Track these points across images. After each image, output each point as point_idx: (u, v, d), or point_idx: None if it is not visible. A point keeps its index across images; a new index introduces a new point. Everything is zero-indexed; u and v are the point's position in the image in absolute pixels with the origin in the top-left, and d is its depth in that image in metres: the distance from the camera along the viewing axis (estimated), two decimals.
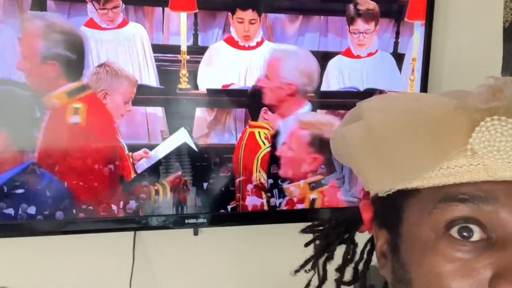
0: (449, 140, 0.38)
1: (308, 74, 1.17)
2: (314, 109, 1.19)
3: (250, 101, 1.16)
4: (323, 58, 1.18)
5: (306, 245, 0.61)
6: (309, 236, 0.62)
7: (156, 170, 1.14)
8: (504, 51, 1.28)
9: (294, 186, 1.18)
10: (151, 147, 1.14)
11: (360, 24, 1.17)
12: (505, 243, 0.36)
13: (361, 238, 0.58)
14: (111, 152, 1.11)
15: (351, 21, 1.17)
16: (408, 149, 0.38)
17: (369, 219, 0.47)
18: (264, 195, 1.18)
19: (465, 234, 0.37)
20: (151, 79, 1.13)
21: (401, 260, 0.41)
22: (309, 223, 0.63)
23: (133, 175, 1.13)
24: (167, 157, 1.14)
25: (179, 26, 1.12)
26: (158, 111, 1.15)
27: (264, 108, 1.16)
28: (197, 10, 1.12)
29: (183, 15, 1.12)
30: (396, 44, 1.21)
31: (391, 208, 0.42)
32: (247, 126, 1.17)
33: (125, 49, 1.10)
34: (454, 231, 0.37)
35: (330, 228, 0.57)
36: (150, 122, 1.15)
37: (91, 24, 1.07)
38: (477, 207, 0.36)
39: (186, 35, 1.12)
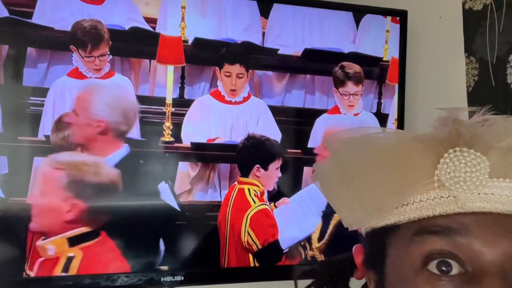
0: (415, 173, 0.38)
1: (123, 112, 1.04)
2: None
3: (241, 156, 1.12)
4: (311, 115, 1.18)
5: None
6: None
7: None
8: (469, 114, 1.32)
9: (50, 243, 0.97)
10: None
11: (350, 86, 1.19)
12: (481, 275, 0.36)
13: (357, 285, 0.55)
14: None
15: (341, 84, 1.19)
16: (374, 182, 0.39)
17: (361, 263, 0.46)
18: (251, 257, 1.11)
19: (444, 268, 0.37)
20: (132, 131, 1.07)
21: None
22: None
23: None
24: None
25: (165, 78, 1.09)
26: None
27: (257, 165, 1.12)
28: (184, 64, 1.11)
29: (170, 68, 1.10)
30: (379, 104, 1.24)
31: (376, 247, 0.43)
32: (236, 182, 1.12)
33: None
34: (432, 266, 0.37)
35: (322, 271, 0.56)
36: None
37: (75, 73, 1.03)
38: (450, 239, 0.37)
39: (173, 88, 1.09)
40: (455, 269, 0.37)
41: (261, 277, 1.13)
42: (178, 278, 1.05)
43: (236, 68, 1.13)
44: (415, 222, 0.38)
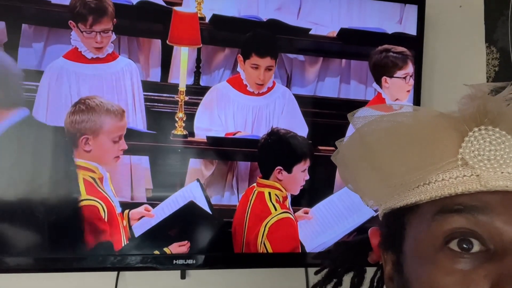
0: (439, 151, 0.38)
1: None
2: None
3: (262, 155, 0.96)
4: (347, 107, 1.01)
5: (316, 273, 0.57)
6: None
7: (156, 234, 0.92)
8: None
9: None
10: (134, 206, 0.92)
11: (410, 67, 1.03)
12: (503, 253, 0.36)
13: (370, 268, 0.56)
14: None
15: (393, 67, 1.03)
16: (398, 158, 0.39)
17: (377, 245, 0.46)
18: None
19: (464, 246, 0.37)
20: (138, 121, 0.93)
21: (404, 277, 0.41)
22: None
23: (125, 241, 0.90)
24: (171, 218, 0.92)
25: (178, 61, 0.94)
26: (145, 161, 0.95)
27: (279, 167, 0.96)
28: (200, 45, 0.95)
29: (184, 49, 0.95)
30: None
31: (395, 227, 0.42)
32: (255, 184, 0.97)
33: (111, 87, 0.91)
34: (453, 244, 0.37)
35: (338, 252, 0.56)
36: (134, 175, 0.94)
37: (73, 55, 0.89)
38: (473, 217, 0.37)
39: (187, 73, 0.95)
40: (476, 247, 0.37)
41: (271, 264, 1.00)
42: (190, 261, 0.95)
43: (267, 61, 0.96)
44: (436, 201, 0.38)
